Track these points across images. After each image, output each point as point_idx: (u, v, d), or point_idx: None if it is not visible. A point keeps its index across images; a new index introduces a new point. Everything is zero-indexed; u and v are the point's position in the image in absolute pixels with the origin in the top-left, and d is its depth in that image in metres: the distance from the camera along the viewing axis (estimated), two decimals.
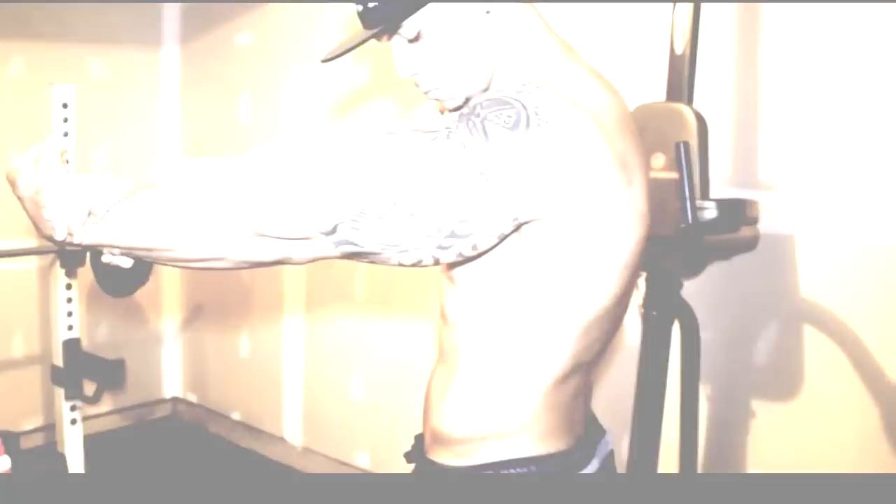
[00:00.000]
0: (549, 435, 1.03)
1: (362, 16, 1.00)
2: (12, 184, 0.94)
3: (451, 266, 1.05)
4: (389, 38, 1.01)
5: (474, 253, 0.93)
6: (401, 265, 0.93)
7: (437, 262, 0.93)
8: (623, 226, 0.95)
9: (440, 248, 0.90)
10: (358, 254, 0.92)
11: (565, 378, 1.02)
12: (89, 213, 0.90)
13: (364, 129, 1.25)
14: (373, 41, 1.02)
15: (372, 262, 0.94)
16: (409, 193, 0.87)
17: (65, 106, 2.52)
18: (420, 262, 0.92)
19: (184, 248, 0.92)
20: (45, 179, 0.91)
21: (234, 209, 0.89)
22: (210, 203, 0.90)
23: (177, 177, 1.13)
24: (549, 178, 0.88)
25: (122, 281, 1.03)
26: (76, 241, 0.92)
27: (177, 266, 0.99)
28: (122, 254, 0.97)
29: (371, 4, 0.97)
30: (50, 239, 0.93)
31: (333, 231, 0.89)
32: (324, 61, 1.04)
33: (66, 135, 2.52)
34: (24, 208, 0.94)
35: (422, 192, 0.87)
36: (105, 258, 0.99)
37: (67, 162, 0.96)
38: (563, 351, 0.99)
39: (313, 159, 0.91)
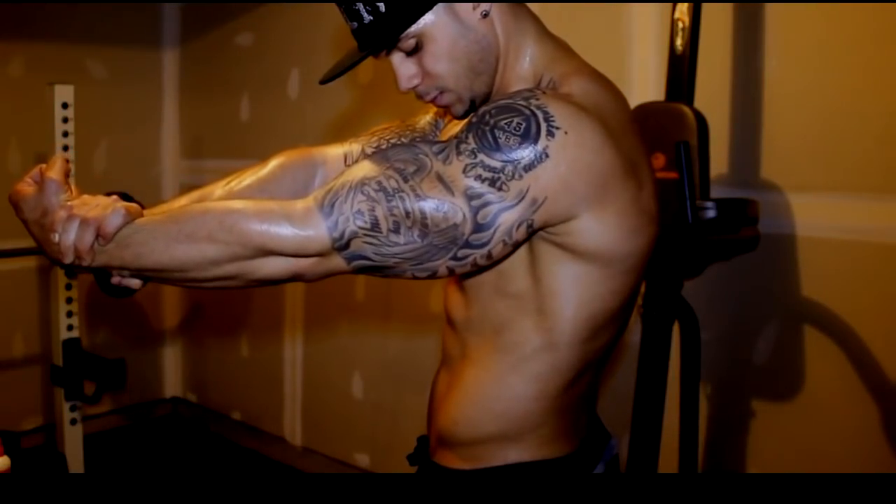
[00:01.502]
0: (556, 438, 1.03)
1: (358, 34, 0.97)
2: (16, 206, 0.91)
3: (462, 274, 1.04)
4: (388, 53, 0.98)
5: (488, 262, 0.92)
6: (415, 278, 0.91)
7: (451, 273, 0.92)
8: (635, 230, 0.94)
9: (455, 259, 0.89)
10: (371, 268, 0.90)
11: (573, 382, 1.01)
12: (97, 237, 0.88)
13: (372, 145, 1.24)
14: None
15: (385, 277, 0.92)
16: (421, 206, 0.86)
17: (65, 106, 2.52)
18: (435, 274, 0.91)
19: (196, 269, 0.89)
20: (51, 202, 0.89)
21: (247, 228, 0.87)
22: (222, 223, 0.87)
23: (185, 197, 1.12)
24: (563, 186, 0.87)
25: None
26: (85, 264, 0.89)
27: (189, 286, 0.96)
28: (132, 275, 0.95)
29: (367, 20, 0.94)
30: (58, 262, 0.90)
31: (346, 246, 0.88)
32: (322, 83, 1.02)
33: (65, 135, 2.52)
34: (30, 231, 0.91)
35: (434, 204, 0.86)
36: (114, 280, 0.97)
37: (70, 183, 0.93)
38: (572, 355, 0.99)
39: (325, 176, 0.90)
